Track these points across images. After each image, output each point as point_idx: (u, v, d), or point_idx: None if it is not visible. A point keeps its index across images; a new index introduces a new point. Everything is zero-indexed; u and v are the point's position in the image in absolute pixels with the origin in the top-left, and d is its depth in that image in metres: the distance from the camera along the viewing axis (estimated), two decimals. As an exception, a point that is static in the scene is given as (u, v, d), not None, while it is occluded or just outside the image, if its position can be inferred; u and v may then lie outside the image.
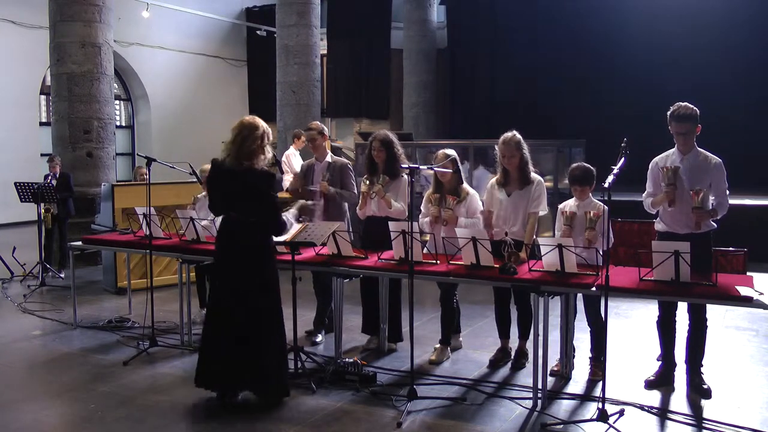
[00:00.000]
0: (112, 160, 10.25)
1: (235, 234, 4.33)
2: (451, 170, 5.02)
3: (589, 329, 4.84)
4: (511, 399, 4.39)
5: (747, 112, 12.41)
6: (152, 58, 16.56)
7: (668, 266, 4.00)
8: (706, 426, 4.02)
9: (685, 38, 12.77)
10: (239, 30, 18.65)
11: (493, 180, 5.08)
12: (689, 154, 4.50)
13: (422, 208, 5.26)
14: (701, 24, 12.66)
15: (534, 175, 4.97)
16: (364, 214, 5.49)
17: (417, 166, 4.53)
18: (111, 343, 5.76)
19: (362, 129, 16.01)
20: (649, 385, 4.60)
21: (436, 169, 4.94)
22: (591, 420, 3.99)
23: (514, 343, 5.13)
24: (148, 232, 5.56)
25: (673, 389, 4.56)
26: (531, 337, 4.61)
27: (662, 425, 4.06)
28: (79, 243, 6.50)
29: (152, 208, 5.64)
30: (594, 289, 4.11)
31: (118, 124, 15.21)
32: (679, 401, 4.39)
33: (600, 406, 3.98)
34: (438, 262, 4.72)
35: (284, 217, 4.50)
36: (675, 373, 4.65)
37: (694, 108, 4.44)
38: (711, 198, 4.43)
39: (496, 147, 4.98)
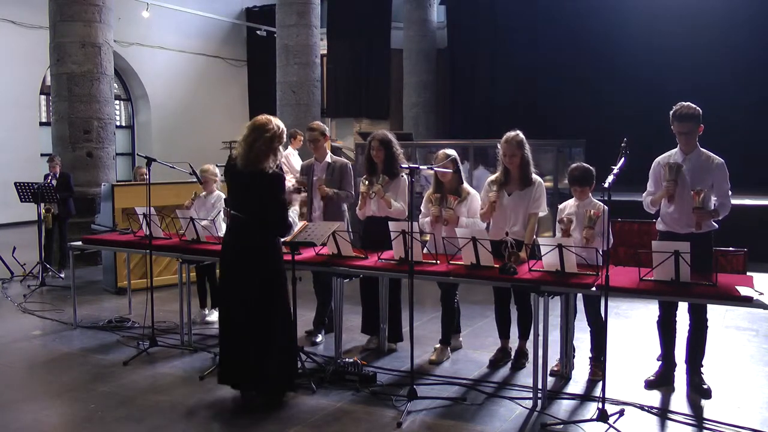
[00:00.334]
0: (112, 160, 10.26)
1: (240, 233, 4.33)
2: (451, 170, 5.02)
3: (589, 329, 4.84)
4: (511, 399, 4.39)
5: (747, 112, 12.41)
6: (152, 58, 16.57)
7: (668, 266, 4.00)
8: (706, 426, 4.02)
9: (685, 38, 12.77)
10: (239, 30, 18.65)
11: (492, 177, 5.06)
12: (691, 154, 4.49)
13: (422, 208, 5.26)
14: (701, 24, 12.66)
15: (534, 176, 4.97)
16: (364, 215, 5.49)
17: (417, 166, 4.53)
18: (111, 343, 5.76)
19: (362, 129, 16.00)
20: (649, 385, 4.60)
21: (436, 169, 4.94)
22: (591, 420, 3.99)
23: (514, 343, 5.13)
24: (148, 232, 5.56)
25: (673, 389, 4.56)
26: (531, 337, 4.61)
27: (662, 425, 4.06)
28: (79, 243, 6.50)
29: (152, 208, 5.64)
30: (594, 289, 4.11)
31: (118, 124, 15.22)
32: (679, 401, 4.39)
33: (600, 406, 3.98)
34: (438, 262, 4.72)
35: (290, 219, 4.51)
36: (675, 373, 4.65)
37: (697, 108, 4.43)
38: (713, 198, 4.43)
39: (498, 146, 4.98)
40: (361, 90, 17.39)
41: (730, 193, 4.49)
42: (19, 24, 13.80)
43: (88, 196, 9.57)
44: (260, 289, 4.29)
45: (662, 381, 4.61)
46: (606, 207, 4.14)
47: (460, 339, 5.54)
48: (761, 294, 3.87)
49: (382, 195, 5.26)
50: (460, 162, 5.26)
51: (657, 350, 4.76)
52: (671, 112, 4.47)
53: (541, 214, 4.93)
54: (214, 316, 6.44)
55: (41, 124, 14.67)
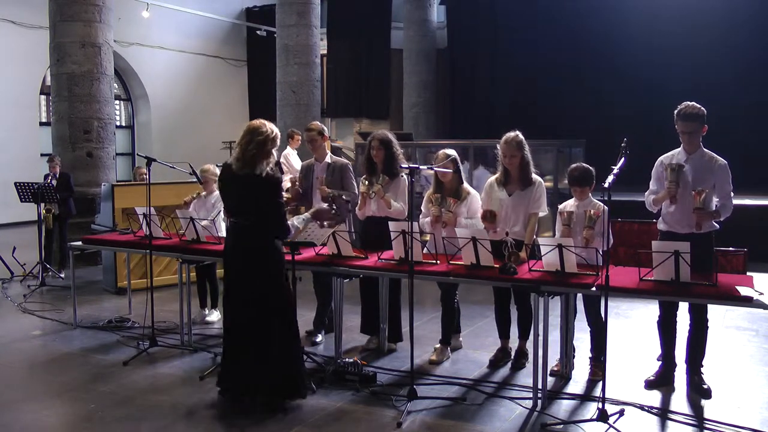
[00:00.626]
0: (112, 160, 10.26)
1: (240, 235, 4.33)
2: (451, 170, 5.03)
3: (589, 329, 4.84)
4: (511, 399, 4.39)
5: (747, 112, 12.41)
6: (152, 58, 16.56)
7: (668, 266, 4.00)
8: (706, 426, 4.02)
9: (685, 38, 12.77)
10: (239, 30, 18.65)
11: (492, 179, 5.07)
12: (694, 154, 4.49)
13: (423, 208, 5.26)
14: (701, 24, 12.66)
15: (535, 176, 4.97)
16: (364, 215, 5.48)
17: (417, 166, 4.53)
18: (111, 343, 5.76)
19: (362, 129, 16.00)
20: (649, 385, 4.60)
21: (436, 169, 4.94)
22: (591, 420, 3.99)
23: (514, 343, 5.13)
24: (148, 232, 5.56)
25: (673, 389, 4.56)
26: (531, 337, 4.61)
27: (662, 425, 4.06)
28: (79, 243, 6.50)
29: (152, 208, 5.64)
30: (594, 289, 4.11)
31: (118, 124, 15.21)
32: (679, 401, 4.39)
33: (600, 406, 3.98)
34: (438, 262, 4.72)
35: (290, 223, 4.49)
36: (675, 373, 4.65)
37: (701, 108, 4.42)
38: (715, 199, 4.42)
39: (498, 146, 4.98)
40: (361, 90, 17.39)
41: (732, 194, 4.48)
42: (19, 24, 13.80)
43: (88, 196, 9.57)
44: (262, 293, 4.28)
45: (662, 381, 4.61)
46: (606, 207, 4.14)
47: (460, 339, 5.54)
48: (761, 294, 3.87)
49: (382, 195, 5.26)
50: (460, 162, 5.26)
51: (657, 350, 4.77)
52: (675, 111, 4.46)
53: (541, 214, 4.93)
54: (214, 316, 6.44)
55: (41, 124, 14.67)
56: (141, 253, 6.17)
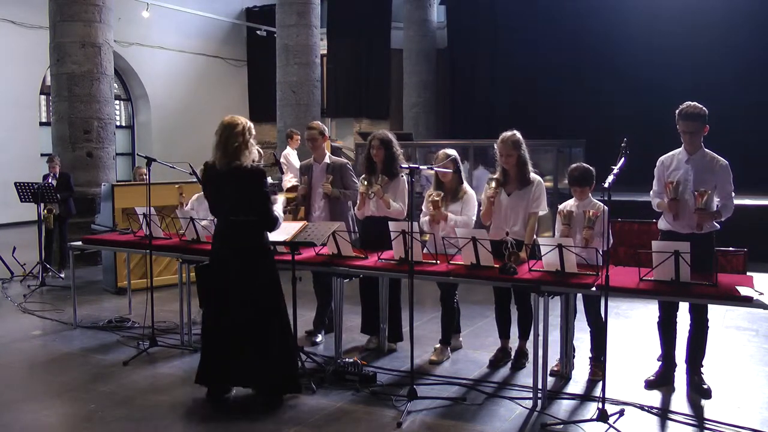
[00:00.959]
0: (112, 160, 10.25)
1: (229, 235, 4.34)
2: (451, 170, 5.03)
3: (589, 329, 4.84)
4: (511, 399, 4.39)
5: (747, 112, 12.40)
6: (152, 58, 16.56)
7: (668, 266, 4.00)
8: (706, 426, 4.02)
9: (685, 38, 12.77)
10: (239, 30, 18.64)
11: (491, 179, 5.05)
12: (695, 155, 4.49)
13: (423, 208, 5.26)
14: (701, 24, 12.66)
15: (533, 176, 4.96)
16: (363, 215, 5.48)
17: (417, 166, 4.53)
18: (111, 343, 5.76)
19: (362, 129, 16.01)
20: (649, 385, 4.60)
21: (436, 169, 4.94)
22: (591, 420, 3.99)
23: (514, 343, 5.13)
24: (148, 232, 5.56)
25: (673, 389, 4.56)
26: (531, 337, 4.61)
27: (662, 425, 4.06)
28: (79, 243, 6.50)
29: (152, 208, 5.64)
30: (594, 289, 4.11)
31: (118, 124, 15.21)
32: (679, 401, 4.39)
33: (600, 406, 3.98)
34: (438, 262, 4.72)
35: (275, 213, 4.53)
36: (675, 373, 4.65)
37: (703, 108, 4.42)
38: (716, 199, 4.43)
39: (495, 146, 4.98)
40: (361, 90, 17.39)
41: (733, 194, 4.48)
42: (19, 24, 13.80)
43: (88, 196, 9.57)
44: (261, 292, 4.30)
45: (662, 381, 4.61)
46: (606, 207, 4.14)
47: (460, 339, 5.54)
48: (761, 294, 3.87)
49: (381, 195, 5.26)
50: (460, 162, 5.26)
51: (657, 350, 4.76)
52: (677, 111, 4.46)
53: (540, 213, 4.93)
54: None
55: (41, 124, 14.66)
56: (141, 253, 6.17)
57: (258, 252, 4.35)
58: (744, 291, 3.90)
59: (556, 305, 4.60)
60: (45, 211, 8.49)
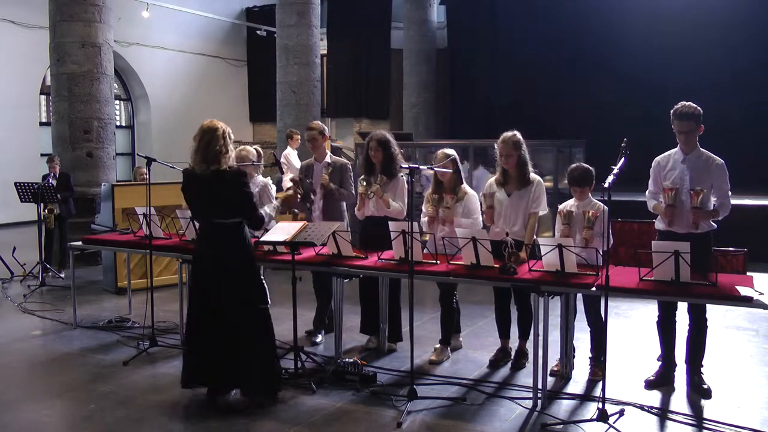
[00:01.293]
0: (112, 160, 10.25)
1: (212, 238, 4.37)
2: (451, 170, 5.02)
3: (589, 329, 4.84)
4: (511, 399, 4.39)
5: (747, 112, 12.42)
6: (152, 58, 16.56)
7: (668, 266, 4.00)
8: (706, 426, 4.02)
9: (685, 38, 12.78)
10: (239, 30, 18.65)
11: (492, 180, 5.07)
12: (691, 154, 4.49)
13: (422, 208, 5.26)
14: (701, 24, 12.67)
15: (533, 176, 4.97)
16: (363, 215, 5.49)
17: (416, 166, 4.53)
18: (111, 343, 5.76)
19: (362, 129, 16.01)
20: (649, 385, 4.60)
21: (436, 169, 4.94)
22: (591, 420, 3.99)
23: (514, 343, 5.13)
24: (148, 232, 5.56)
25: (673, 389, 4.56)
26: (531, 337, 4.61)
27: (662, 425, 4.06)
28: (79, 243, 6.50)
29: (152, 208, 5.64)
30: (594, 289, 4.11)
31: (118, 124, 15.21)
32: (679, 401, 4.39)
33: (600, 406, 3.98)
34: (438, 262, 4.72)
35: (262, 211, 4.56)
36: (675, 373, 4.65)
37: (697, 107, 4.43)
38: (713, 199, 4.43)
39: (496, 146, 4.99)
40: (361, 90, 17.39)
41: (730, 193, 4.49)
42: (19, 24, 13.80)
43: (88, 196, 9.57)
44: (247, 291, 4.34)
45: (662, 381, 4.61)
46: (606, 207, 4.15)
47: (460, 339, 5.54)
48: (761, 294, 3.87)
49: (381, 195, 5.26)
50: (459, 162, 5.26)
51: (657, 350, 4.76)
52: (672, 111, 4.47)
53: (540, 213, 4.93)
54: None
55: (41, 124, 14.67)
56: (141, 253, 6.17)
57: (245, 250, 4.38)
58: (744, 291, 3.90)
59: (556, 305, 4.60)
60: (46, 211, 8.49)
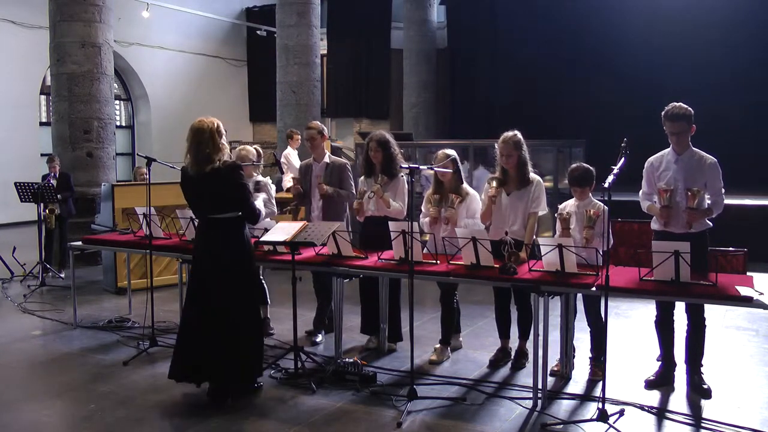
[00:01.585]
0: (112, 160, 10.25)
1: (208, 234, 4.40)
2: (451, 170, 5.02)
3: (589, 329, 4.84)
4: (511, 399, 4.39)
5: (747, 112, 12.42)
6: (152, 58, 16.56)
7: (668, 266, 4.00)
8: (706, 426, 4.02)
9: (685, 38, 12.79)
10: (239, 30, 18.65)
11: (491, 179, 5.05)
12: (684, 154, 4.50)
13: (423, 208, 5.26)
14: (701, 24, 12.67)
15: (533, 176, 4.97)
16: (363, 215, 5.48)
17: (417, 166, 4.53)
18: (111, 343, 5.76)
19: (362, 129, 16.01)
20: (649, 385, 4.60)
21: (436, 169, 4.94)
22: (591, 420, 3.99)
23: (514, 343, 5.13)
24: (148, 232, 5.56)
25: (673, 389, 4.56)
26: (531, 337, 4.61)
27: (662, 425, 4.06)
28: (79, 243, 6.50)
29: (152, 208, 5.64)
30: (594, 289, 4.11)
31: (118, 124, 15.21)
32: (679, 401, 4.39)
33: (600, 406, 3.98)
34: (438, 262, 4.72)
35: (257, 206, 4.59)
36: (675, 373, 4.65)
37: (688, 108, 4.44)
38: (706, 197, 4.44)
39: (496, 146, 4.99)
40: (361, 90, 17.39)
41: (723, 191, 4.50)
42: (19, 24, 13.80)
43: (88, 196, 9.57)
44: (245, 284, 4.39)
45: (662, 381, 4.61)
46: (606, 207, 4.15)
47: (460, 339, 5.54)
48: (761, 294, 3.87)
49: (381, 194, 5.26)
50: (459, 162, 5.26)
51: (657, 350, 4.76)
52: (663, 113, 4.49)
53: (540, 213, 4.93)
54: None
55: (41, 124, 14.67)
56: (141, 253, 6.17)
57: (237, 248, 4.39)
58: (744, 291, 3.90)
59: (556, 305, 4.61)
60: (46, 211, 8.49)
